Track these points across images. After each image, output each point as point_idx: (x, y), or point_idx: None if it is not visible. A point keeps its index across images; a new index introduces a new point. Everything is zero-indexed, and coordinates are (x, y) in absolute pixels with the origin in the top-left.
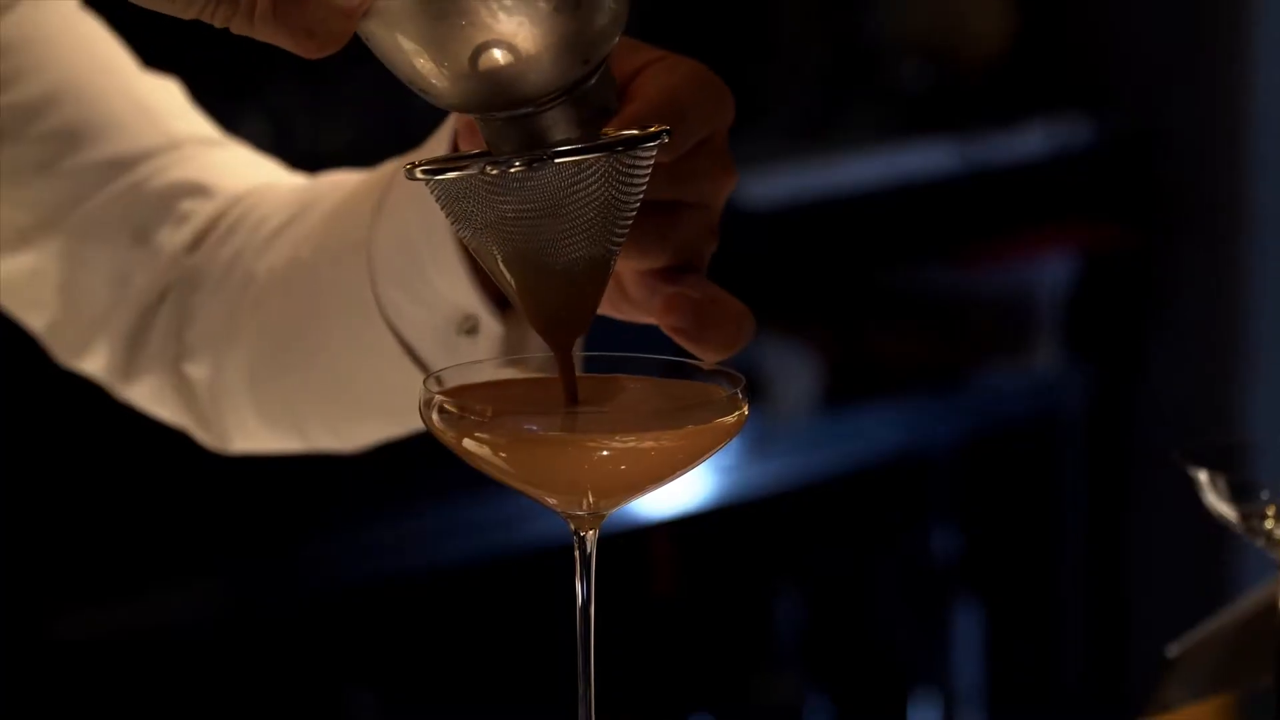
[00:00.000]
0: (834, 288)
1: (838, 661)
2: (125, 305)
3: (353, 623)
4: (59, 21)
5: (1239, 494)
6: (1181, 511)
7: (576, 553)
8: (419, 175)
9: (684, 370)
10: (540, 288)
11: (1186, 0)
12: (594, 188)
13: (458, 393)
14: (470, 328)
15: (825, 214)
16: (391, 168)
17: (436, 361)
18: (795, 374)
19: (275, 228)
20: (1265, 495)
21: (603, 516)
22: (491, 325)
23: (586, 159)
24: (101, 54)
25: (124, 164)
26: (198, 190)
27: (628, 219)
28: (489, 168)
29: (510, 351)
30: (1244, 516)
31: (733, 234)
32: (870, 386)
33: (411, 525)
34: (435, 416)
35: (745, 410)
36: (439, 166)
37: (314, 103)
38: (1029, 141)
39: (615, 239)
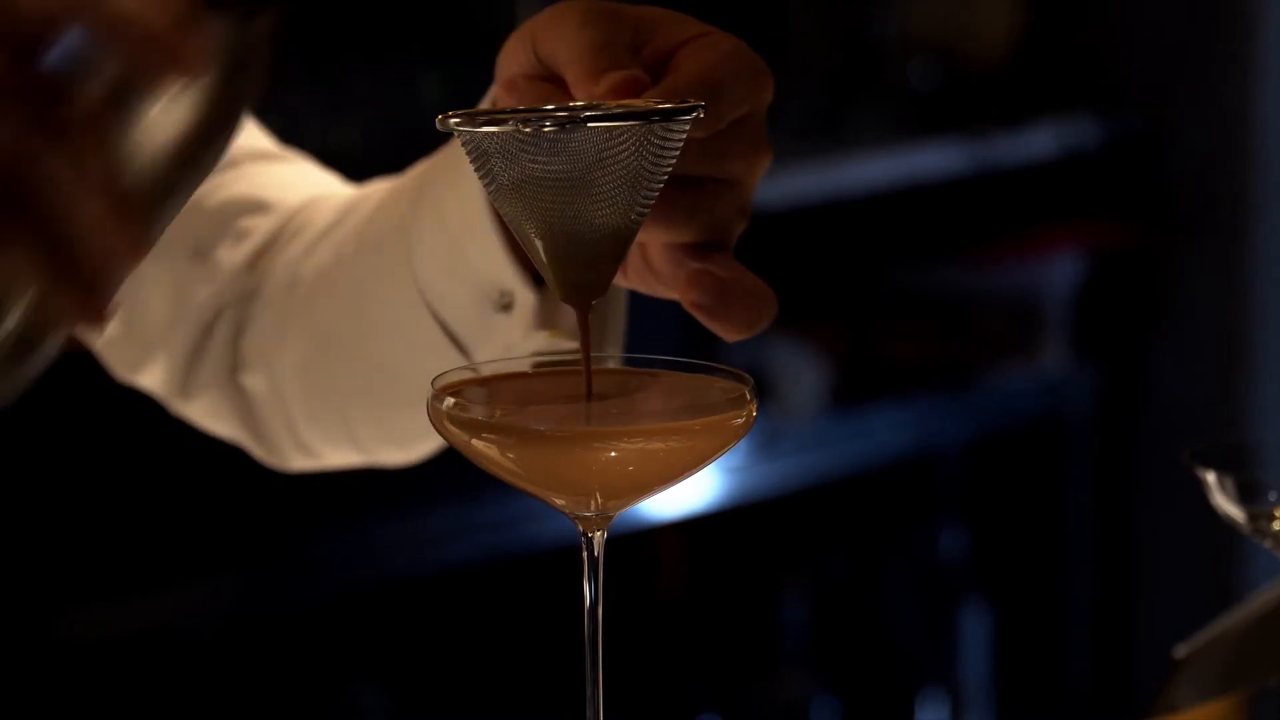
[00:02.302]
0: (842, 288)
1: (845, 661)
2: (184, 322)
3: (361, 622)
4: None
5: (1247, 495)
6: (1189, 512)
7: (584, 554)
8: (452, 125)
9: (692, 370)
10: (561, 250)
11: (1194, 1)
12: (624, 155)
13: (467, 392)
14: (506, 304)
15: (833, 214)
16: (429, 162)
17: (473, 340)
18: (803, 374)
19: (321, 231)
20: (1273, 496)
21: (610, 518)
22: (527, 298)
23: (619, 125)
24: None
25: None
26: (255, 206)
27: (655, 189)
28: (522, 125)
29: (544, 324)
30: (1252, 517)
31: (740, 234)
32: (878, 386)
33: (420, 525)
34: (443, 416)
35: (754, 410)
36: (473, 119)
37: (323, 104)
38: (1037, 142)
39: (640, 208)
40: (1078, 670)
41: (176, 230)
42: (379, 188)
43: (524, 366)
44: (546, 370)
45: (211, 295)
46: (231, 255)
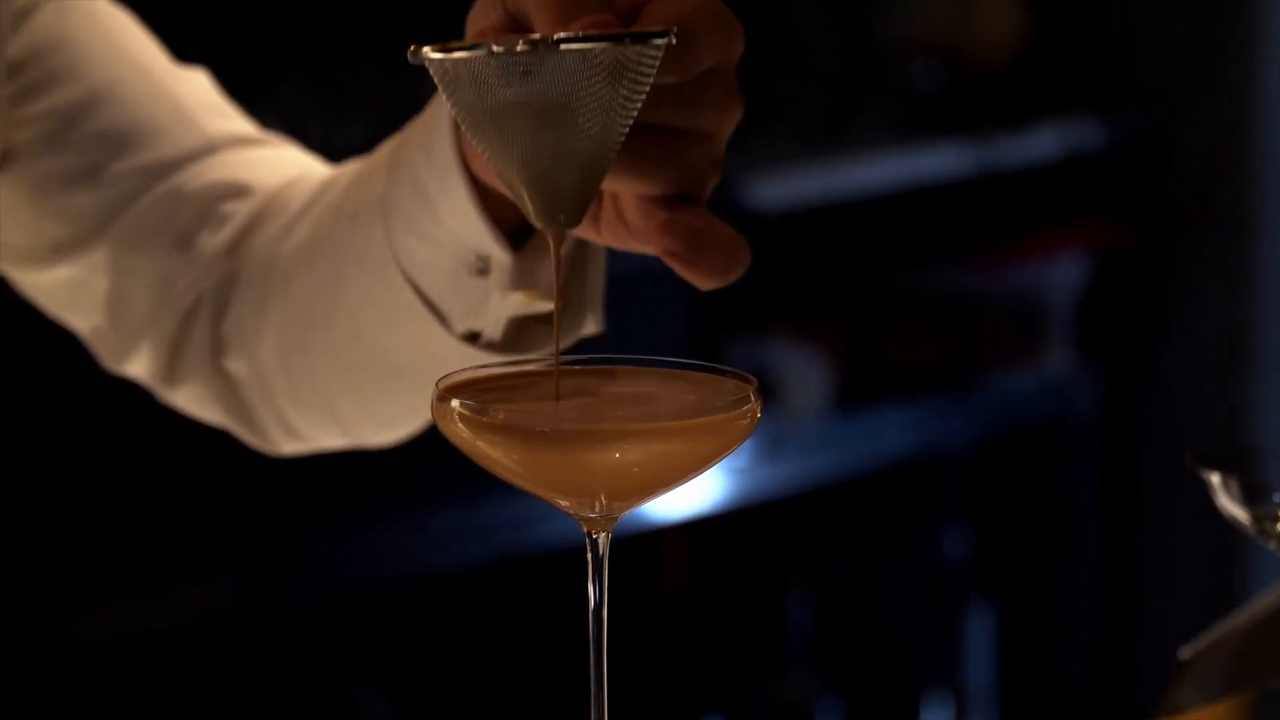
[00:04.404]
0: (846, 289)
1: (850, 663)
2: (168, 310)
3: (364, 623)
4: (88, 20)
5: (1251, 496)
6: (1193, 514)
7: (589, 555)
8: (425, 55)
9: (696, 371)
10: (536, 178)
11: (1197, 3)
12: (597, 81)
13: (471, 392)
14: (482, 268)
15: (837, 216)
16: (403, 135)
17: (450, 305)
18: (807, 375)
19: (299, 209)
20: (1277, 498)
21: (615, 519)
22: (502, 259)
23: (592, 48)
24: (134, 53)
25: (163, 169)
26: (236, 191)
27: (627, 120)
28: (495, 48)
29: (520, 284)
30: (1256, 519)
31: (745, 235)
32: (882, 388)
33: (425, 526)
34: (447, 418)
35: (758, 411)
36: (444, 47)
37: (325, 103)
38: (1040, 143)
39: (614, 138)
40: (1082, 671)
41: (158, 219)
42: (355, 165)
43: (528, 367)
44: (551, 370)
45: (192, 282)
46: (213, 241)
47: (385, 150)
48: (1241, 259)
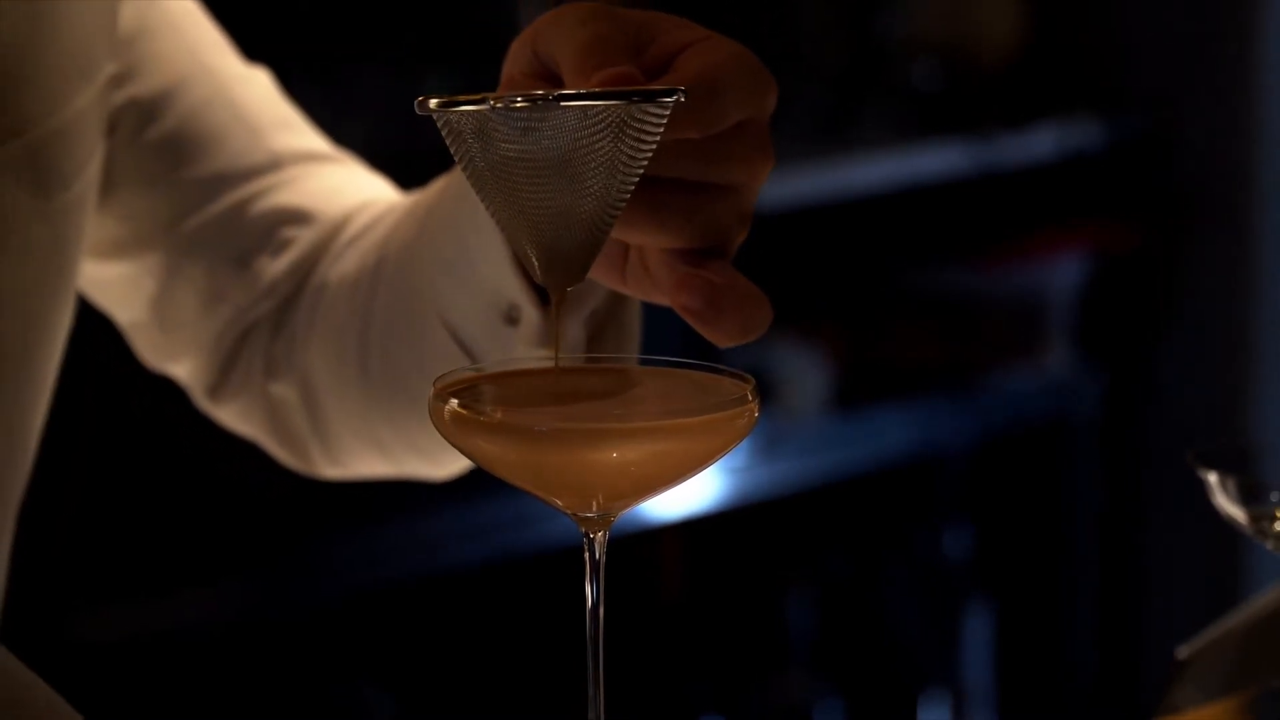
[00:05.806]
0: (846, 288)
1: (849, 662)
2: (218, 325)
3: (366, 624)
4: (163, 13)
5: (1249, 496)
6: (1193, 513)
7: (586, 555)
8: (430, 108)
9: (694, 370)
10: (537, 235)
11: (1197, 3)
12: (599, 138)
13: (469, 393)
14: (514, 317)
15: (837, 215)
16: (452, 174)
17: (482, 351)
18: (807, 375)
19: (350, 239)
20: (1275, 497)
21: (612, 519)
22: (531, 315)
23: (595, 105)
24: (200, 52)
25: (226, 182)
26: (298, 217)
27: (632, 177)
28: (495, 103)
29: (548, 342)
30: (1254, 518)
31: (740, 241)
32: (882, 387)
33: (423, 528)
34: (444, 418)
35: (756, 410)
36: (447, 100)
37: (326, 103)
38: (1041, 143)
39: (617, 197)
40: (1081, 671)
41: (217, 233)
42: (409, 200)
43: (525, 365)
44: (548, 369)
45: (248, 304)
46: (271, 265)
47: (432, 190)
48: (1242, 259)
